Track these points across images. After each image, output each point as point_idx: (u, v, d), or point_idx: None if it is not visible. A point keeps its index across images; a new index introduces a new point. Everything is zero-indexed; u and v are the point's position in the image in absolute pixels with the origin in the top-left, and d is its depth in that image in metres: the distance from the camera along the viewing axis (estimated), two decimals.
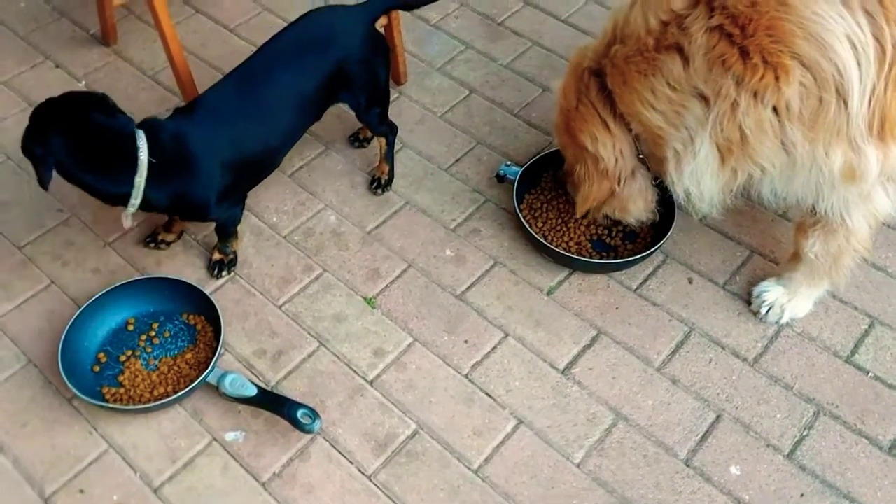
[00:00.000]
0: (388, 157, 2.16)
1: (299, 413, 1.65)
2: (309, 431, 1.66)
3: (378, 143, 2.16)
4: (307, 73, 1.88)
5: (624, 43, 1.56)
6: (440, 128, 2.37)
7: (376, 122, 2.10)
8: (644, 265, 2.02)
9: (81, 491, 1.62)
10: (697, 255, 2.04)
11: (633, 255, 2.00)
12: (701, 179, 1.59)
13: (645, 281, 2.01)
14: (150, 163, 1.67)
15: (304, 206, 2.16)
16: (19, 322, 1.88)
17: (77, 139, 1.64)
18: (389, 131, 2.14)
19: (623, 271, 2.02)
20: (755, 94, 1.43)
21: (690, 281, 1.99)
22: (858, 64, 1.37)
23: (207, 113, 1.80)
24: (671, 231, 1.99)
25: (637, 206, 1.81)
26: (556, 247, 2.00)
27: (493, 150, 2.31)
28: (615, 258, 2.02)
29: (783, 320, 1.88)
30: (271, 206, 2.16)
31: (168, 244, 2.05)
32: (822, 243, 1.73)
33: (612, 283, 2.00)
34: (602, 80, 1.63)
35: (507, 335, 1.90)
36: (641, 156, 1.72)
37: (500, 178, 2.16)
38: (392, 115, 2.38)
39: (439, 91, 2.47)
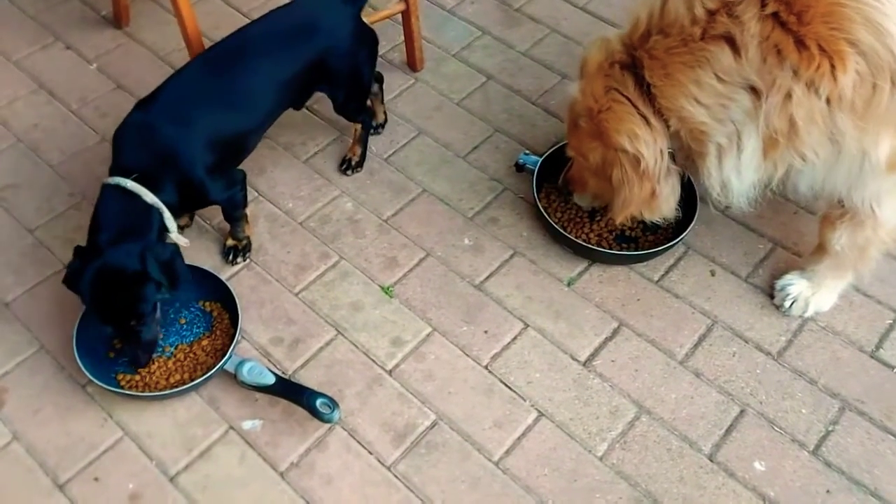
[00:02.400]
0: (363, 139, 2.14)
1: (318, 402, 1.63)
2: (328, 421, 1.63)
3: (353, 126, 2.13)
4: (285, 60, 1.81)
5: (665, 34, 1.50)
6: (457, 115, 2.33)
7: (354, 114, 2.08)
8: (665, 257, 1.99)
9: (96, 479, 1.60)
10: (719, 247, 2.01)
11: (655, 247, 1.97)
12: (743, 172, 1.55)
13: (667, 273, 1.98)
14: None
15: (319, 193, 2.13)
16: (31, 307, 1.85)
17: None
18: (367, 116, 2.12)
19: (644, 263, 1.99)
20: (810, 85, 1.38)
21: (713, 273, 1.96)
22: None
23: (173, 96, 1.71)
24: (693, 223, 1.96)
25: (669, 205, 1.75)
26: (576, 237, 1.97)
27: (512, 138, 2.27)
28: (636, 249, 1.99)
29: (808, 313, 1.86)
30: (286, 192, 2.12)
31: (182, 228, 2.01)
32: (849, 235, 1.70)
33: (632, 275, 1.97)
34: (637, 73, 1.57)
35: (527, 326, 1.87)
36: (671, 150, 1.67)
37: (519, 168, 2.13)
38: (408, 101, 2.36)
39: (456, 77, 2.43)
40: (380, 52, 2.48)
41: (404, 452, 1.66)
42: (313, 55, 1.84)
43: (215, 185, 1.74)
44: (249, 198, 2.09)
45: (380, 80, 2.14)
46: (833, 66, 1.36)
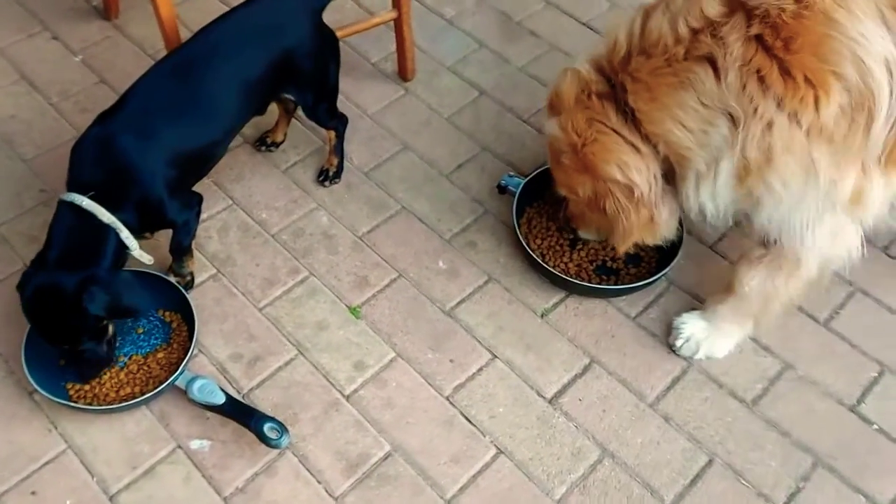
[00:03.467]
0: (338, 149, 2.09)
1: (266, 427, 1.57)
2: (275, 447, 1.58)
3: (327, 135, 2.07)
4: (249, 63, 1.74)
5: (648, 54, 1.44)
6: (445, 131, 2.28)
7: (326, 118, 2.01)
8: (646, 292, 1.93)
9: (33, 493, 1.55)
10: (704, 284, 1.94)
11: (636, 281, 1.90)
12: (717, 197, 1.49)
13: (645, 309, 1.91)
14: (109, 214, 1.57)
15: (296, 204, 2.07)
16: None
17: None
18: (339, 123, 2.05)
19: (623, 297, 1.92)
20: (792, 116, 1.33)
21: (694, 308, 1.89)
22: (892, 91, 1.29)
23: (135, 108, 1.65)
24: (677, 258, 1.89)
25: (670, 227, 1.68)
26: (554, 267, 1.91)
27: (498, 157, 2.21)
28: (616, 282, 1.93)
29: (698, 356, 1.80)
30: (262, 202, 2.07)
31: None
32: (762, 279, 1.65)
33: (610, 309, 1.91)
34: (616, 100, 1.51)
35: (494, 357, 1.81)
36: (663, 173, 1.60)
37: (502, 189, 2.07)
38: (396, 114, 2.31)
39: (448, 92, 2.37)
40: (372, 61, 2.45)
41: (354, 483, 1.60)
42: (277, 55, 1.77)
43: (173, 205, 1.68)
44: (224, 205, 2.06)
45: (344, 122, 2.07)
46: (817, 98, 1.31)
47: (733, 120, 1.38)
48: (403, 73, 2.40)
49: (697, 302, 1.91)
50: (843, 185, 1.39)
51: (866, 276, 1.89)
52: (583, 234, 1.91)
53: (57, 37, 2.44)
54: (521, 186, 2.00)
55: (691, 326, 1.80)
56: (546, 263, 1.91)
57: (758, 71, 1.33)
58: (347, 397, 1.72)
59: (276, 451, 1.61)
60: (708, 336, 1.79)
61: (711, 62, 1.37)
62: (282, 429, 1.58)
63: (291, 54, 1.79)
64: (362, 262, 1.96)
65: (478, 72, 2.43)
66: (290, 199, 2.08)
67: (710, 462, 1.67)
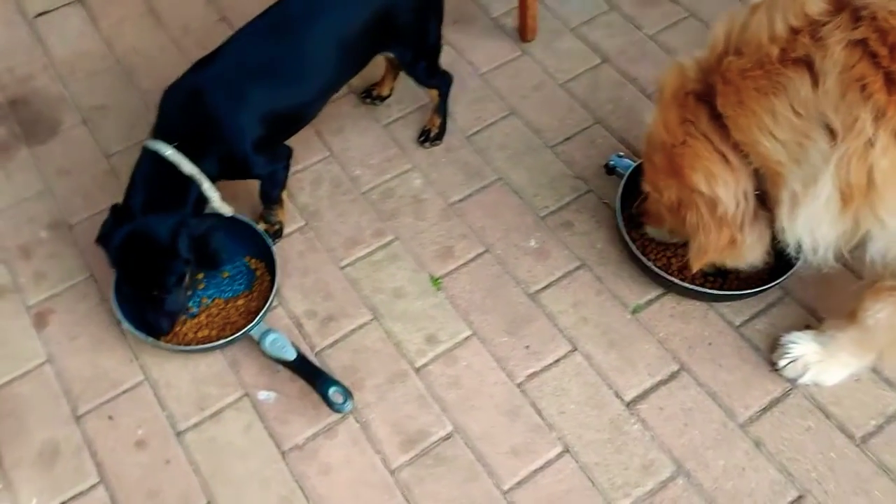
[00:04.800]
0: (441, 109, 1.99)
1: (331, 390, 1.56)
2: (338, 411, 1.56)
3: (429, 94, 1.97)
4: (347, 20, 1.66)
5: (740, 53, 1.26)
6: (557, 98, 2.13)
7: (425, 76, 1.91)
8: (755, 299, 1.74)
9: (110, 417, 1.62)
10: (825, 300, 1.72)
11: (745, 287, 1.71)
12: (816, 228, 1.30)
13: (751, 319, 1.72)
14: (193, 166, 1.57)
15: (390, 163, 2.02)
16: (91, 233, 1.86)
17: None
18: (442, 82, 1.95)
19: (729, 303, 1.74)
20: None
21: (808, 328, 1.69)
22: None
23: (230, 63, 1.61)
24: (796, 266, 1.68)
25: (755, 253, 1.51)
26: (654, 262, 1.75)
27: (611, 132, 2.05)
28: (722, 286, 1.74)
29: (803, 380, 1.60)
30: (357, 157, 2.03)
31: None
32: (890, 312, 1.43)
33: (711, 314, 1.74)
34: (711, 103, 1.33)
35: (574, 349, 1.70)
36: (758, 192, 1.42)
37: (609, 170, 1.91)
38: (507, 75, 2.18)
39: (567, 55, 2.21)
40: (492, 15, 2.32)
41: (411, 459, 1.56)
42: (375, 12, 1.69)
43: (259, 160, 1.67)
44: (320, 156, 2.04)
45: (448, 81, 1.97)
46: None
47: (832, 134, 1.18)
48: (523, 32, 2.26)
49: (813, 319, 1.71)
50: None
51: None
52: (650, 231, 1.74)
53: None
54: (630, 169, 1.84)
55: (802, 347, 1.61)
56: (646, 257, 1.75)
57: (860, 79, 1.13)
58: (416, 370, 1.68)
59: (337, 415, 1.60)
60: (820, 361, 1.59)
61: (809, 65, 1.17)
62: (346, 394, 1.56)
63: (390, 10, 1.71)
64: (449, 231, 1.89)
65: (604, 36, 2.25)
66: (386, 158, 2.03)
67: (800, 499, 1.49)
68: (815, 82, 1.19)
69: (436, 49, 1.88)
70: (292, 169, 1.98)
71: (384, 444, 1.58)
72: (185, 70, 1.65)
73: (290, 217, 1.91)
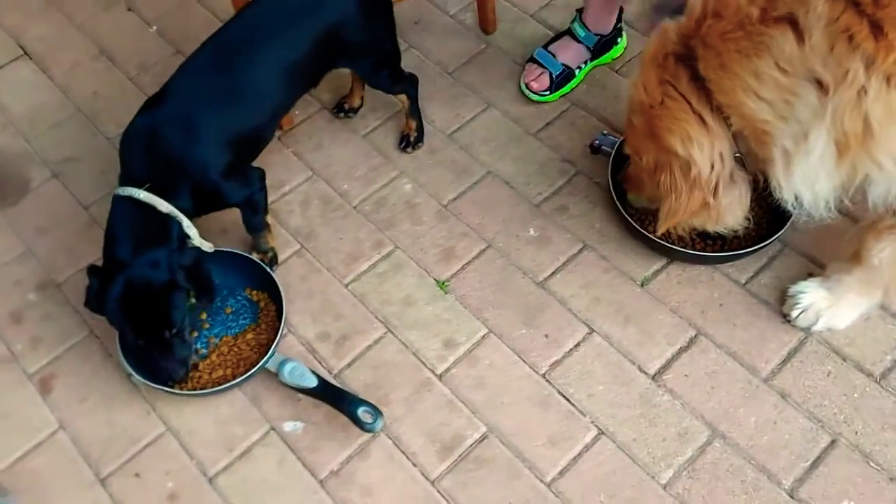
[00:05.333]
0: (414, 112, 1.97)
1: (360, 410, 1.54)
2: (370, 431, 1.54)
3: (399, 100, 1.96)
4: (292, 43, 1.64)
5: (719, 16, 1.28)
6: None
7: (388, 84, 1.91)
8: (756, 256, 1.76)
9: (137, 475, 1.58)
10: (823, 246, 1.76)
11: (744, 246, 1.74)
12: (815, 182, 1.32)
13: (756, 275, 1.75)
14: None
15: (376, 173, 2.00)
16: (83, 288, 1.82)
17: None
18: (409, 85, 1.93)
19: (731, 263, 1.77)
20: (889, 78, 1.15)
21: (811, 276, 1.72)
22: None
23: (179, 97, 1.60)
24: (792, 219, 1.71)
25: (734, 215, 1.54)
26: (654, 233, 1.76)
27: (590, 112, 2.06)
28: (722, 247, 1.77)
29: (817, 327, 1.63)
30: (342, 172, 2.00)
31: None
32: (893, 250, 1.47)
33: (717, 276, 1.76)
34: (693, 65, 1.35)
35: (592, 331, 1.71)
36: (738, 154, 1.44)
37: (595, 149, 1.92)
38: (476, 69, 2.18)
39: (533, 41, 2.21)
40: (450, 13, 2.31)
41: (450, 466, 1.55)
42: (320, 31, 1.67)
43: (231, 186, 1.64)
44: (304, 177, 2.01)
45: (414, 82, 1.96)
46: None
47: (822, 87, 1.20)
48: (484, 24, 2.25)
49: (815, 266, 1.74)
50: None
51: None
52: (632, 198, 1.75)
53: (132, 7, 2.41)
54: (616, 146, 1.85)
55: (811, 295, 1.64)
56: (645, 229, 1.77)
57: (846, 30, 1.15)
58: (439, 376, 1.66)
59: (368, 434, 1.58)
60: (830, 306, 1.63)
61: (792, 23, 1.19)
62: (375, 412, 1.54)
63: (336, 28, 1.69)
64: (448, 232, 1.88)
65: (566, 17, 2.25)
66: (371, 168, 2.01)
67: (833, 443, 1.53)
68: (801, 38, 1.21)
69: (394, 56, 1.87)
70: (279, 193, 1.97)
71: (420, 455, 1.57)
72: (137, 112, 1.63)
73: (284, 241, 1.88)
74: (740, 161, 1.50)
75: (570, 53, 2.07)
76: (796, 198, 1.40)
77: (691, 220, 1.58)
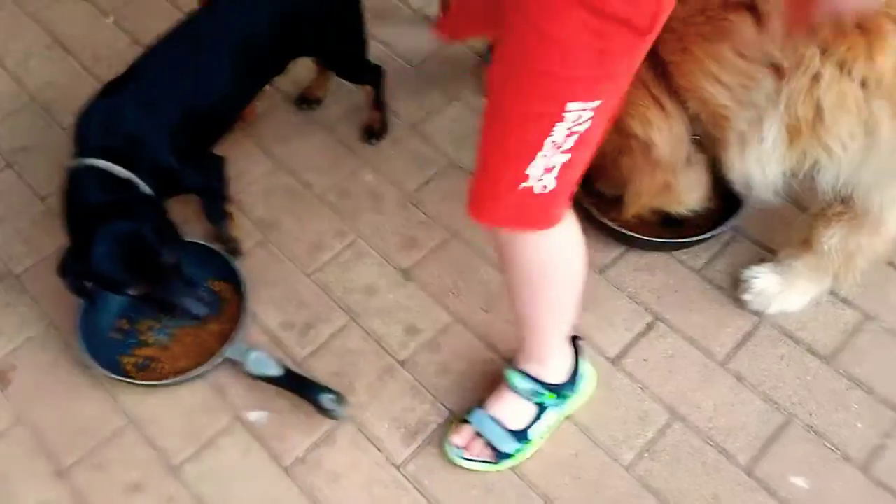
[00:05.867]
0: (379, 102, 1.98)
1: (324, 398, 1.54)
2: (334, 417, 1.55)
3: (364, 91, 1.97)
4: (255, 27, 1.64)
5: (683, 1, 1.32)
6: None
7: (354, 75, 1.92)
8: (710, 243, 1.81)
9: (99, 466, 1.55)
10: (774, 233, 1.82)
11: (700, 232, 1.79)
12: (766, 165, 1.37)
13: (710, 261, 1.80)
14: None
15: (340, 164, 2.00)
16: (41, 279, 1.79)
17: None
18: (375, 75, 1.94)
19: (686, 250, 1.82)
20: (841, 65, 1.20)
21: (763, 262, 1.78)
22: None
23: (141, 79, 1.59)
24: (744, 206, 1.77)
25: (693, 196, 1.59)
26: (612, 220, 1.80)
27: None
28: (679, 235, 1.81)
29: (769, 311, 1.69)
30: (306, 163, 2.00)
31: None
32: (842, 237, 1.53)
33: (672, 263, 1.80)
34: (654, 49, 1.39)
35: None
36: (696, 136, 1.49)
37: None
38: (444, 63, 2.19)
39: None
40: (414, 6, 2.32)
41: (415, 452, 1.56)
42: (282, 20, 1.66)
43: (188, 171, 1.62)
44: (267, 167, 2.00)
45: (380, 73, 1.96)
46: (871, 46, 1.17)
47: (779, 73, 1.25)
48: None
49: (767, 252, 1.80)
50: None
51: None
52: (600, 186, 1.79)
53: None
54: None
55: (763, 280, 1.70)
56: (604, 216, 1.80)
57: None
58: (402, 363, 1.68)
59: (333, 421, 1.58)
60: (782, 291, 1.68)
61: (751, 9, 1.24)
62: (339, 399, 1.55)
63: (298, 16, 1.69)
64: (409, 221, 1.89)
65: None
66: (335, 159, 2.01)
67: (788, 423, 1.58)
68: (760, 24, 1.25)
69: (359, 46, 1.87)
70: (243, 183, 1.95)
71: (385, 440, 1.58)
72: (96, 93, 1.60)
73: (247, 232, 1.87)
74: (698, 143, 1.54)
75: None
76: (748, 180, 1.45)
77: (655, 201, 1.62)
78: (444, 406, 1.62)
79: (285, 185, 1.96)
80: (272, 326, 1.73)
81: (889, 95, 1.23)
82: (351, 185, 1.96)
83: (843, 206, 1.50)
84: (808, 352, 1.67)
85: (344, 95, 2.11)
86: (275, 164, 2.00)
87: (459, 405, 1.61)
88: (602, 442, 1.57)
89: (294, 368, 1.62)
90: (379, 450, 1.57)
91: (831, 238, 1.56)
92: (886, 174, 1.36)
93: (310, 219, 1.90)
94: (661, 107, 1.44)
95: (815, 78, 1.23)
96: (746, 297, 1.71)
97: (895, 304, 1.71)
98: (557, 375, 1.48)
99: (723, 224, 1.78)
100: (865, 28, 1.18)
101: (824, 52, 1.21)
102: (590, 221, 1.84)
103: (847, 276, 1.63)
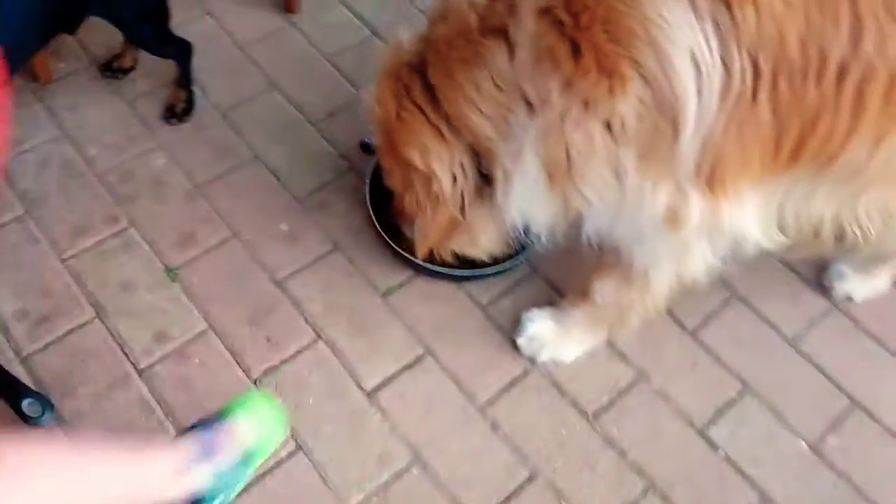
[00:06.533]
0: (185, 80, 1.84)
1: (25, 402, 1.40)
2: (35, 426, 1.40)
3: (167, 66, 1.82)
4: None
5: (446, 20, 1.22)
6: (322, 71, 2.03)
7: (153, 44, 1.76)
8: (503, 278, 1.73)
9: None
10: (569, 277, 1.74)
11: (487, 265, 1.69)
12: (528, 207, 1.28)
13: (499, 298, 1.72)
14: None
15: (132, 142, 1.85)
16: None
17: None
18: (179, 51, 1.80)
19: (477, 282, 1.73)
20: (586, 104, 1.11)
21: (552, 303, 1.70)
22: (699, 92, 1.06)
23: None
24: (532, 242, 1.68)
25: (488, 235, 1.48)
26: (399, 244, 1.70)
27: None
28: (472, 264, 1.72)
29: (541, 358, 1.62)
30: (94, 136, 1.84)
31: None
32: (614, 290, 1.47)
33: (459, 295, 1.71)
34: (425, 74, 1.28)
35: (318, 338, 1.62)
36: (485, 171, 1.39)
37: (366, 147, 1.84)
38: (270, 47, 2.06)
39: (335, 27, 2.12)
40: None
41: None
42: None
43: None
44: (49, 135, 1.84)
45: (186, 50, 1.81)
46: (611, 88, 1.08)
47: (530, 106, 1.15)
48: (289, 3, 2.13)
49: (557, 296, 1.72)
50: (655, 200, 1.18)
51: (748, 281, 1.71)
52: (404, 229, 1.63)
53: None
54: None
55: (538, 325, 1.62)
56: (395, 237, 1.70)
57: (549, 49, 1.10)
58: (140, 372, 1.54)
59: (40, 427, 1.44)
60: (556, 338, 1.61)
61: (505, 35, 1.14)
62: (44, 406, 1.41)
63: None
64: (192, 215, 1.75)
65: (374, 7, 2.17)
66: (127, 136, 1.85)
67: (530, 479, 1.51)
68: (512, 53, 1.15)
69: (160, 11, 1.71)
70: (16, 150, 1.79)
71: None
72: None
73: (7, 204, 1.71)
74: (487, 177, 1.44)
75: None
76: (517, 220, 1.36)
77: (446, 242, 1.51)
78: (172, 426, 1.49)
79: (64, 158, 1.80)
80: (5, 314, 1.58)
81: (634, 143, 1.14)
82: (138, 167, 1.81)
83: (616, 258, 1.44)
84: (572, 405, 1.60)
85: (156, 70, 1.95)
86: (60, 133, 1.84)
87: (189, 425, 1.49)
88: (332, 480, 1.47)
89: (7, 365, 1.47)
90: None
91: (604, 289, 1.49)
92: (640, 229, 1.29)
93: (82, 198, 1.75)
94: (440, 133, 1.33)
95: (561, 116, 1.14)
96: (519, 340, 1.63)
97: (670, 363, 1.65)
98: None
99: (511, 259, 1.69)
100: (605, 67, 1.08)
101: (567, 87, 1.11)
102: (383, 241, 1.74)
103: (621, 329, 1.57)
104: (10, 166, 1.75)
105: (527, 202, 1.30)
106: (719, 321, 1.71)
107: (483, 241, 1.52)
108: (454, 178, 1.34)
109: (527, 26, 1.12)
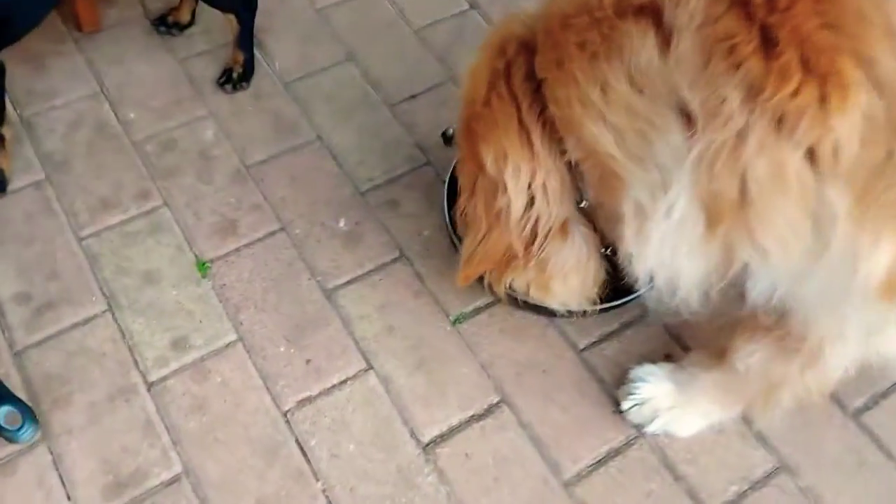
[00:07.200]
0: (244, 42, 1.57)
1: (4, 410, 1.12)
2: (11, 440, 1.13)
3: (227, 23, 1.54)
4: None
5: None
6: (409, 46, 1.72)
7: None
8: (610, 317, 1.37)
9: None
10: (694, 323, 1.36)
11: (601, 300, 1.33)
12: (675, 256, 0.92)
13: (601, 341, 1.36)
14: None
15: (179, 107, 1.58)
16: None
17: None
18: (243, 5, 1.52)
19: (573, 319, 1.37)
20: (780, 120, 0.75)
21: (668, 357, 1.33)
22: None
23: None
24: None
25: (567, 285, 1.15)
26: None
27: None
28: None
29: (651, 428, 1.25)
30: (136, 97, 1.58)
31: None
32: (764, 360, 1.09)
33: (550, 332, 1.36)
34: (531, 57, 0.95)
35: (369, 368, 1.30)
36: (584, 203, 1.05)
37: (448, 140, 1.52)
38: (353, 12, 1.77)
39: None
40: None
41: None
42: None
43: None
44: (86, 91, 1.59)
45: (251, 5, 1.55)
46: (824, 97, 0.73)
47: (689, 120, 0.80)
48: None
49: (677, 347, 1.35)
50: (872, 260, 0.81)
51: None
52: (459, 230, 1.29)
53: None
54: None
55: (653, 387, 1.25)
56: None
57: (727, 39, 0.75)
58: (149, 385, 1.25)
59: (17, 445, 1.17)
60: (673, 406, 1.24)
61: (656, 17, 0.79)
62: (25, 418, 1.14)
63: None
64: (238, 200, 1.47)
65: None
66: (174, 100, 1.58)
67: None
68: (666, 42, 0.81)
69: None
70: (46, 105, 1.56)
71: (81, 486, 1.16)
72: None
73: (26, 165, 1.47)
74: (586, 213, 1.10)
75: None
76: (653, 278, 1.00)
77: (500, 273, 1.18)
78: (179, 457, 1.19)
79: (99, 119, 1.54)
80: (4, 295, 1.32)
81: (848, 178, 0.78)
82: (182, 137, 1.53)
83: (776, 319, 1.06)
84: (687, 494, 1.22)
85: (217, 28, 1.67)
86: (98, 90, 1.59)
87: (199, 461, 1.19)
88: None
89: None
90: (68, 498, 1.15)
91: (752, 355, 1.12)
92: (838, 294, 0.91)
93: (112, 167, 1.48)
94: (529, 142, 1.00)
95: (741, 135, 0.79)
96: (625, 402, 1.27)
97: (824, 456, 1.25)
98: None
99: (627, 295, 1.33)
100: (815, 68, 0.72)
101: (754, 95, 0.76)
102: (456, 253, 1.40)
103: (766, 408, 1.19)
104: (35, 122, 1.50)
105: (670, 252, 0.94)
106: (888, 404, 1.31)
107: (558, 290, 1.18)
108: (530, 202, 1.01)
109: (693, 6, 0.78)
